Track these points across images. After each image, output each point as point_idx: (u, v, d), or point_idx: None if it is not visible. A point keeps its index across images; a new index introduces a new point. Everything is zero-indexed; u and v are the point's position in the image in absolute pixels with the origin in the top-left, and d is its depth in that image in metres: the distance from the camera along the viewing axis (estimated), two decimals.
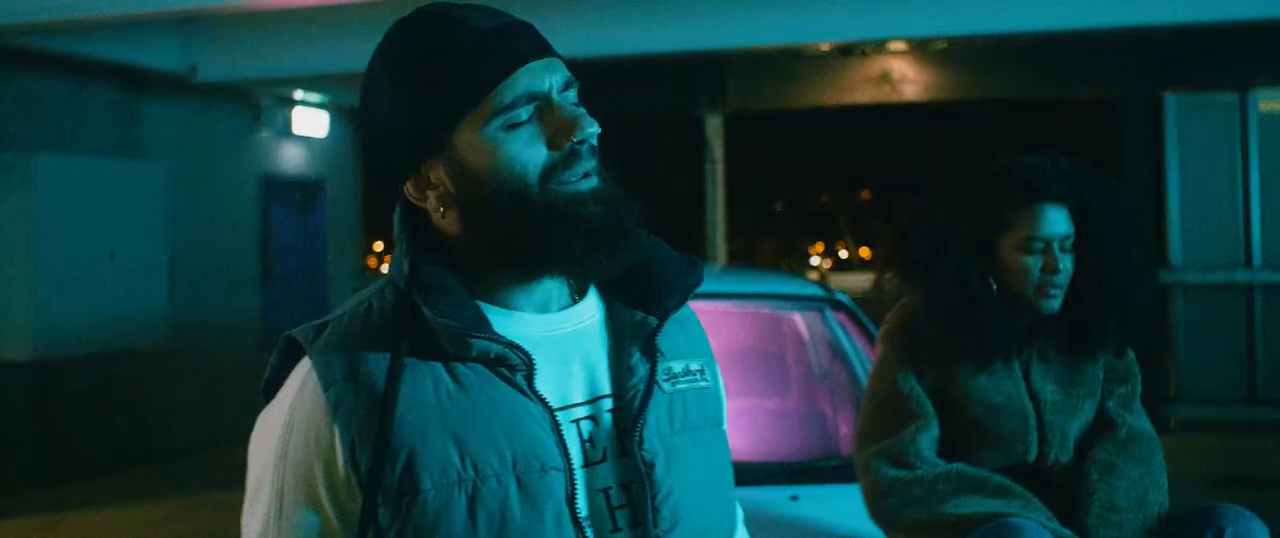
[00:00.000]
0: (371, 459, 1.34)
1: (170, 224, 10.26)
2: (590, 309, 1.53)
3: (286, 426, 1.42)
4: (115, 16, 8.08)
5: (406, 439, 1.35)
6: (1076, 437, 2.73)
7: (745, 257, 21.44)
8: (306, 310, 12.32)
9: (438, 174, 1.44)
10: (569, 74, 1.46)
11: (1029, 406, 2.71)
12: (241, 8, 8.36)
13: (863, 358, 4.60)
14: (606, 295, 1.55)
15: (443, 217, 1.46)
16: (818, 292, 4.92)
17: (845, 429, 4.70)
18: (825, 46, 10.98)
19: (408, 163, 1.46)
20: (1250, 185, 11.23)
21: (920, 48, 11.62)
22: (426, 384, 1.38)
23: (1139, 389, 2.82)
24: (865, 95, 12.18)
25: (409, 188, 1.47)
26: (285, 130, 11.87)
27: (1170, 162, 11.34)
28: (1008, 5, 8.61)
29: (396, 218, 1.50)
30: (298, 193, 12.30)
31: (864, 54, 11.65)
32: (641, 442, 1.44)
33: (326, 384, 1.39)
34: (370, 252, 17.37)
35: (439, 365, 1.39)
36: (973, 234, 2.75)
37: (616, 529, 1.43)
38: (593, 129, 1.43)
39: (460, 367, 1.40)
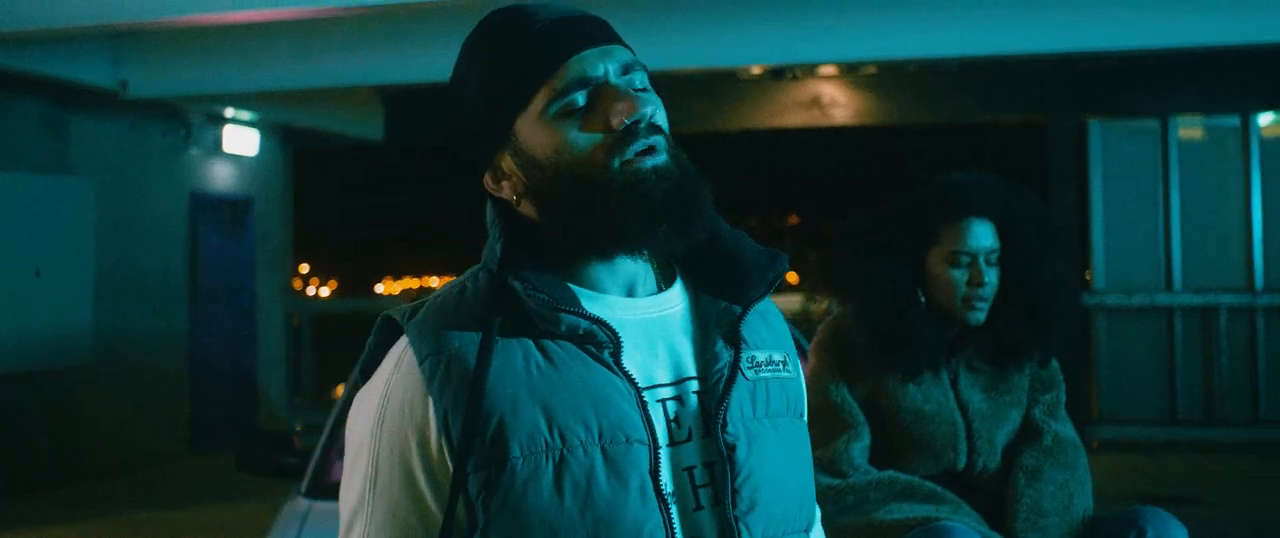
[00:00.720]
0: (463, 428, 1.39)
1: (98, 241, 10.16)
2: (676, 296, 1.56)
3: (383, 399, 1.46)
4: (44, 31, 8.03)
5: (496, 409, 1.39)
6: (1004, 444, 2.81)
7: None
8: (235, 329, 12.22)
9: (508, 164, 1.51)
10: (631, 58, 1.50)
11: (958, 414, 2.78)
12: (171, 24, 8.33)
13: None
14: (693, 285, 1.58)
15: (519, 206, 1.52)
16: None
17: None
18: (756, 70, 11.11)
19: (481, 155, 1.53)
20: (1171, 210, 11.50)
21: (850, 72, 11.79)
22: (516, 358, 1.43)
23: (1063, 398, 2.90)
24: (796, 119, 12.31)
25: (487, 180, 1.54)
26: (216, 148, 11.80)
27: (1094, 186, 11.59)
28: (936, 31, 8.76)
29: (488, 207, 1.55)
30: (227, 211, 12.22)
31: (795, 78, 11.78)
32: (725, 424, 1.47)
33: (421, 358, 1.44)
34: (295, 273, 17.16)
35: (530, 342, 1.44)
36: (902, 249, 2.82)
37: (699, 507, 1.46)
38: (648, 108, 1.46)
39: (550, 343, 1.44)
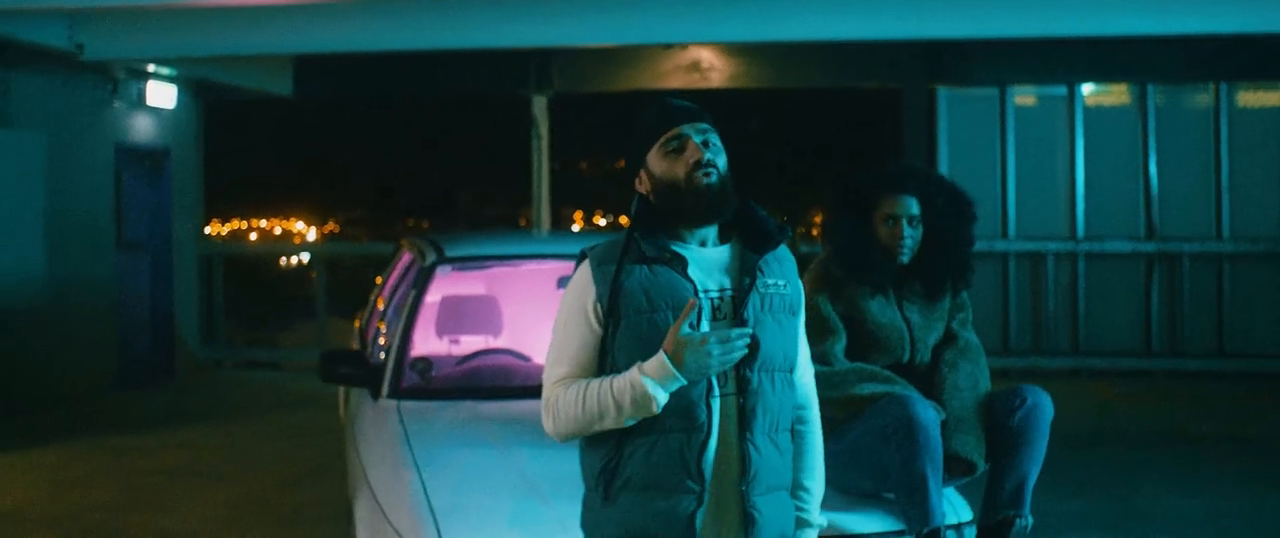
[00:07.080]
0: (608, 301, 2.78)
1: (46, 191, 10.88)
2: (726, 249, 2.90)
3: (574, 286, 2.87)
4: (13, 9, 8.92)
5: (624, 292, 2.77)
6: (932, 345, 4.14)
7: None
8: (155, 272, 12.95)
9: (643, 174, 2.90)
10: (711, 129, 2.88)
11: (903, 325, 4.08)
12: (126, 8, 9.35)
13: None
14: (739, 242, 2.91)
15: (650, 197, 2.88)
16: None
17: None
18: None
19: (633, 169, 2.92)
20: (1007, 167, 13.00)
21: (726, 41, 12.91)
22: (635, 270, 2.79)
23: (971, 317, 4.23)
24: (677, 81, 13.46)
25: (636, 182, 2.91)
26: (139, 102, 12.45)
27: (941, 145, 13.00)
28: (801, 16, 9.83)
29: (634, 201, 2.90)
30: (147, 161, 12.89)
31: (682, 46, 12.93)
32: (741, 312, 2.81)
33: (592, 268, 2.83)
34: (207, 223, 17.58)
35: (644, 266, 2.79)
36: (861, 210, 4.10)
37: None
38: (708, 155, 2.82)
39: (657, 266, 2.79)
